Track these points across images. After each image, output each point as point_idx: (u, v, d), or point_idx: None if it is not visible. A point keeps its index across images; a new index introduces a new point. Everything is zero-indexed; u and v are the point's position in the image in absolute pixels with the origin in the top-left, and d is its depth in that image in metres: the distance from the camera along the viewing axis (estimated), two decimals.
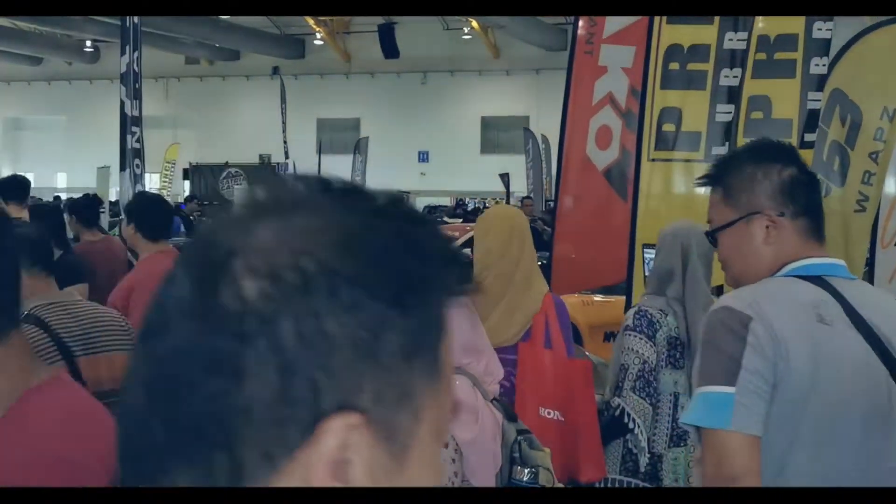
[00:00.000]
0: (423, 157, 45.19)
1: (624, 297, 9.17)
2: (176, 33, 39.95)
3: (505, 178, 29.43)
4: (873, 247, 6.67)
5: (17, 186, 7.05)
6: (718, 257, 2.23)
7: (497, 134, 44.15)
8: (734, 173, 2.15)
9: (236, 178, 31.24)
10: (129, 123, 8.55)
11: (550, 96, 41.16)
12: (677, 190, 6.33)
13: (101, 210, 7.43)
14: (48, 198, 40.58)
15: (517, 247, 3.27)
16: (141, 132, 8.59)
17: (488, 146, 44.22)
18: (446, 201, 43.10)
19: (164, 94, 49.64)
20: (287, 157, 34.34)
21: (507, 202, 35.40)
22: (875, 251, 6.67)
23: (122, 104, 8.69)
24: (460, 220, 26.95)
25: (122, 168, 8.99)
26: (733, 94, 6.07)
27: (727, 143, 6.09)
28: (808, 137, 6.20)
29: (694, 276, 3.47)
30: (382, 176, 42.26)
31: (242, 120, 46.57)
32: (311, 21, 43.58)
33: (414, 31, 42.40)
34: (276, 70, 46.33)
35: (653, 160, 6.31)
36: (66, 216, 6.42)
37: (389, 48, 41.20)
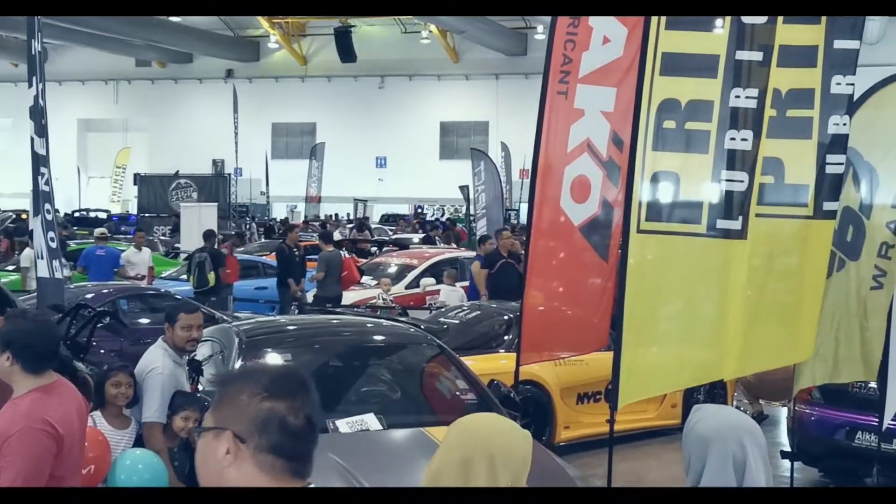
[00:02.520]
0: (381, 162, 44.30)
1: (598, 355, 8.32)
2: (125, 35, 38.67)
3: (465, 190, 28.52)
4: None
5: None
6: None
7: (456, 139, 43.32)
8: (234, 382, 2.06)
9: (186, 188, 29.98)
10: (38, 163, 7.50)
11: (510, 101, 40.70)
12: (676, 268, 5.42)
13: None
14: None
15: None
16: (49, 173, 7.53)
17: (447, 151, 43.38)
18: (404, 208, 42.24)
19: (114, 97, 48.33)
20: (237, 163, 33.18)
21: (468, 212, 34.59)
22: (890, 332, 5.80)
23: (32, 142, 7.65)
24: (422, 237, 25.92)
25: (35, 213, 7.95)
26: (738, 159, 5.18)
27: (738, 216, 5.20)
28: (829, 206, 5.33)
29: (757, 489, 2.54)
30: (339, 182, 41.43)
31: (195, 123, 45.35)
32: (265, 23, 42.49)
33: (371, 35, 41.47)
34: (229, 73, 45.20)
35: (643, 232, 5.39)
36: None
37: (346, 52, 40.22)
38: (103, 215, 33.41)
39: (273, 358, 5.97)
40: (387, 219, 37.79)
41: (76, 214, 33.30)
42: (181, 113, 46.45)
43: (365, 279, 15.68)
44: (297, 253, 15.35)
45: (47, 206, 7.64)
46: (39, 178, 7.63)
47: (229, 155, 37.84)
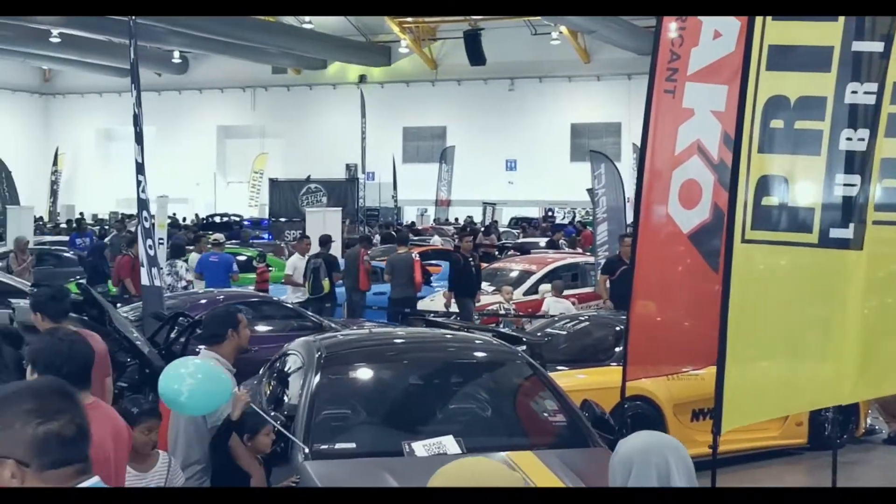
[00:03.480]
0: (511, 165, 44.01)
1: (712, 368, 7.81)
2: (261, 43, 39.55)
3: (592, 193, 27.87)
4: None
5: (49, 299, 5.73)
6: None
7: (588, 141, 42.59)
8: (4, 410, 2.11)
9: (316, 193, 30.38)
10: (136, 172, 7.48)
11: (643, 102, 39.66)
12: (785, 281, 4.93)
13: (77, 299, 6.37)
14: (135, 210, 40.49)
15: None
16: (145, 181, 7.48)
17: (578, 153, 42.65)
18: (535, 211, 41.80)
19: (252, 104, 49.49)
20: (364, 169, 33.38)
21: (594, 217, 33.94)
22: None
23: (135, 149, 7.63)
24: (546, 241, 25.39)
25: (139, 221, 7.93)
26: (856, 162, 4.65)
27: (851, 224, 4.68)
28: None
29: None
30: (469, 185, 41.32)
31: (329, 128, 46.01)
32: (396, 28, 42.75)
33: (500, 37, 41.20)
34: (362, 78, 45.68)
35: (748, 241, 4.91)
36: (31, 315, 5.40)
37: (475, 55, 40.12)
38: (236, 220, 34.09)
39: (352, 374, 5.71)
40: (516, 222, 37.44)
41: (213, 219, 34.15)
42: (316, 118, 47.20)
43: (483, 285, 15.40)
44: (472, 263, 14.28)
45: (145, 213, 7.60)
46: (137, 186, 7.61)
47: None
